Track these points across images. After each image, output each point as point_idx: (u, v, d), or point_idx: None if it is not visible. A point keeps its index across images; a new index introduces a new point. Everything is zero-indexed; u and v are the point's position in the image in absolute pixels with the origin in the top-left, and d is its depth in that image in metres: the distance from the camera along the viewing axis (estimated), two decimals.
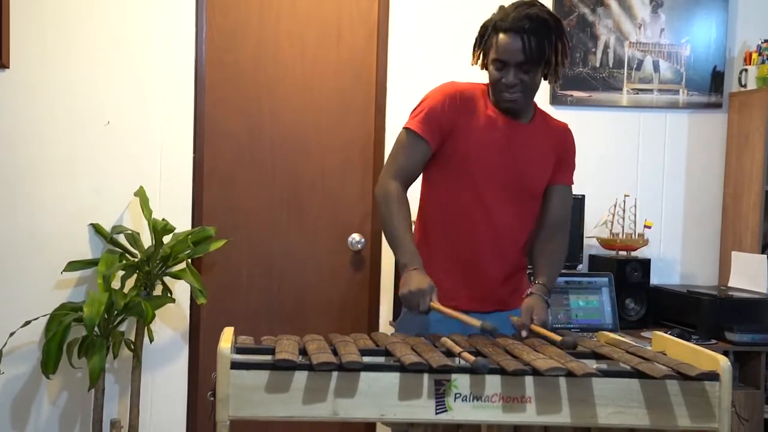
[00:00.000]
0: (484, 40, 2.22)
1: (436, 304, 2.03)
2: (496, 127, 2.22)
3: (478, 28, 2.26)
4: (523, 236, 2.30)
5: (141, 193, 3.17)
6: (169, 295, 3.21)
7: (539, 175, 2.28)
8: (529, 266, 2.35)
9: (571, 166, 2.37)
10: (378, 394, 1.69)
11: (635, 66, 3.66)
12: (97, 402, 3.05)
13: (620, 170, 3.68)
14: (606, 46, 3.63)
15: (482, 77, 2.30)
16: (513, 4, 2.20)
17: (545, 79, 2.26)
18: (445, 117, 2.20)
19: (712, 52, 3.70)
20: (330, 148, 3.50)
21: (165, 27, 3.29)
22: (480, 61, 2.27)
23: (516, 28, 2.12)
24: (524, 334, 2.04)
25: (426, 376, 1.70)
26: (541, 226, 2.33)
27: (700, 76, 3.70)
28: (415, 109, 2.26)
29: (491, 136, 2.21)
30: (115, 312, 3.00)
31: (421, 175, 2.29)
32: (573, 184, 2.39)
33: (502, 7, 2.22)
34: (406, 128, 2.23)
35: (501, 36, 2.15)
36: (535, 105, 2.33)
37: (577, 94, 3.62)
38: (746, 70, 3.64)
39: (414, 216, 2.28)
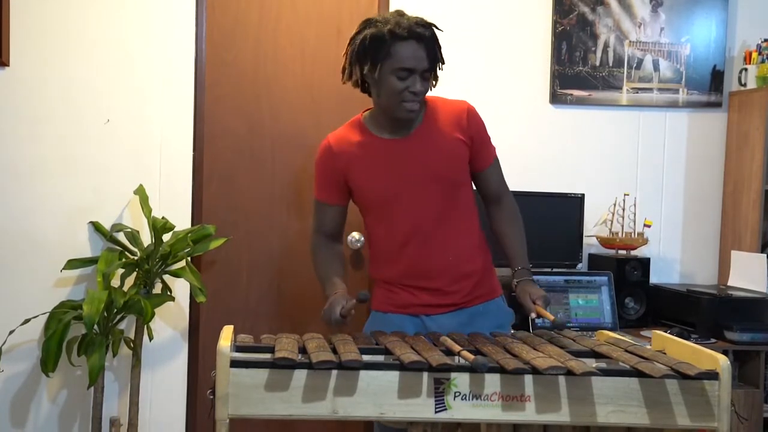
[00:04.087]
0: (383, 50, 2.12)
1: (344, 310, 2.08)
2: (379, 151, 2.25)
3: (361, 42, 2.17)
4: (461, 228, 2.29)
5: (141, 192, 3.17)
6: (168, 293, 3.21)
7: (445, 169, 2.26)
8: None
9: (486, 141, 2.34)
10: (377, 392, 1.69)
11: (635, 65, 3.65)
12: (97, 400, 3.05)
13: (620, 169, 3.68)
14: (606, 45, 3.63)
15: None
16: (390, 13, 2.19)
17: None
18: (330, 174, 2.31)
19: (712, 51, 3.69)
20: None
21: (165, 25, 3.29)
22: (366, 75, 2.19)
23: (416, 35, 2.12)
24: (533, 316, 2.14)
25: (425, 375, 1.70)
26: (487, 207, 2.40)
27: (700, 75, 3.70)
28: None
29: (377, 163, 2.24)
30: (115, 310, 3.00)
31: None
32: (495, 154, 2.38)
33: (373, 20, 2.19)
34: (314, 197, 2.40)
35: (402, 44, 2.12)
36: (426, 98, 2.29)
37: (576, 93, 3.62)
38: (746, 69, 3.64)
39: None
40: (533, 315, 2.12)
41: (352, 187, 2.28)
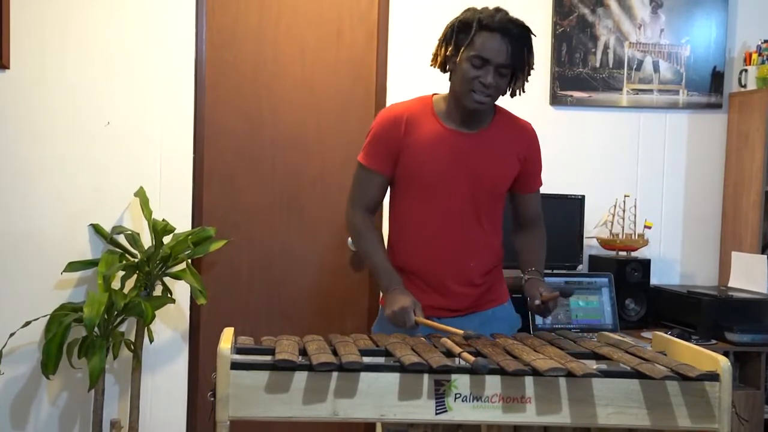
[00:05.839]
0: (468, 37, 2.15)
1: (420, 319, 2.09)
2: (442, 139, 2.22)
3: (451, 25, 2.21)
4: (488, 237, 2.29)
5: (141, 194, 3.17)
6: (169, 295, 3.21)
7: (496, 178, 2.27)
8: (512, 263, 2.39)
9: (538, 169, 2.37)
10: (378, 394, 1.69)
11: (635, 66, 3.66)
12: (97, 402, 3.05)
13: (620, 170, 3.68)
14: (606, 47, 3.63)
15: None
16: (490, 7, 2.18)
17: (508, 91, 2.25)
18: (388, 142, 2.25)
19: (712, 53, 3.70)
20: (330, 148, 3.50)
21: (165, 26, 3.29)
22: (448, 57, 2.20)
23: (504, 29, 2.11)
24: (537, 302, 2.15)
25: (426, 377, 1.70)
26: (518, 229, 2.40)
27: (700, 77, 3.70)
28: (365, 140, 2.33)
29: (437, 149, 2.22)
30: (115, 312, 3.00)
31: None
32: (541, 184, 2.40)
33: (474, 9, 2.19)
34: (357, 161, 2.32)
35: (486, 34, 2.12)
36: (496, 107, 2.30)
37: (577, 94, 3.62)
38: (746, 70, 3.64)
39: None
40: (537, 301, 2.12)
41: (402, 161, 2.24)
